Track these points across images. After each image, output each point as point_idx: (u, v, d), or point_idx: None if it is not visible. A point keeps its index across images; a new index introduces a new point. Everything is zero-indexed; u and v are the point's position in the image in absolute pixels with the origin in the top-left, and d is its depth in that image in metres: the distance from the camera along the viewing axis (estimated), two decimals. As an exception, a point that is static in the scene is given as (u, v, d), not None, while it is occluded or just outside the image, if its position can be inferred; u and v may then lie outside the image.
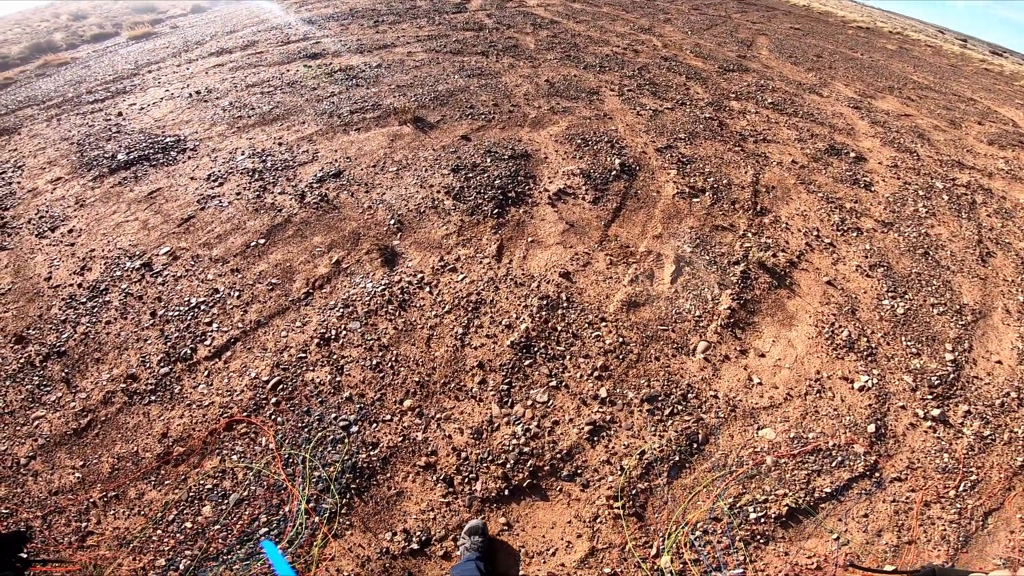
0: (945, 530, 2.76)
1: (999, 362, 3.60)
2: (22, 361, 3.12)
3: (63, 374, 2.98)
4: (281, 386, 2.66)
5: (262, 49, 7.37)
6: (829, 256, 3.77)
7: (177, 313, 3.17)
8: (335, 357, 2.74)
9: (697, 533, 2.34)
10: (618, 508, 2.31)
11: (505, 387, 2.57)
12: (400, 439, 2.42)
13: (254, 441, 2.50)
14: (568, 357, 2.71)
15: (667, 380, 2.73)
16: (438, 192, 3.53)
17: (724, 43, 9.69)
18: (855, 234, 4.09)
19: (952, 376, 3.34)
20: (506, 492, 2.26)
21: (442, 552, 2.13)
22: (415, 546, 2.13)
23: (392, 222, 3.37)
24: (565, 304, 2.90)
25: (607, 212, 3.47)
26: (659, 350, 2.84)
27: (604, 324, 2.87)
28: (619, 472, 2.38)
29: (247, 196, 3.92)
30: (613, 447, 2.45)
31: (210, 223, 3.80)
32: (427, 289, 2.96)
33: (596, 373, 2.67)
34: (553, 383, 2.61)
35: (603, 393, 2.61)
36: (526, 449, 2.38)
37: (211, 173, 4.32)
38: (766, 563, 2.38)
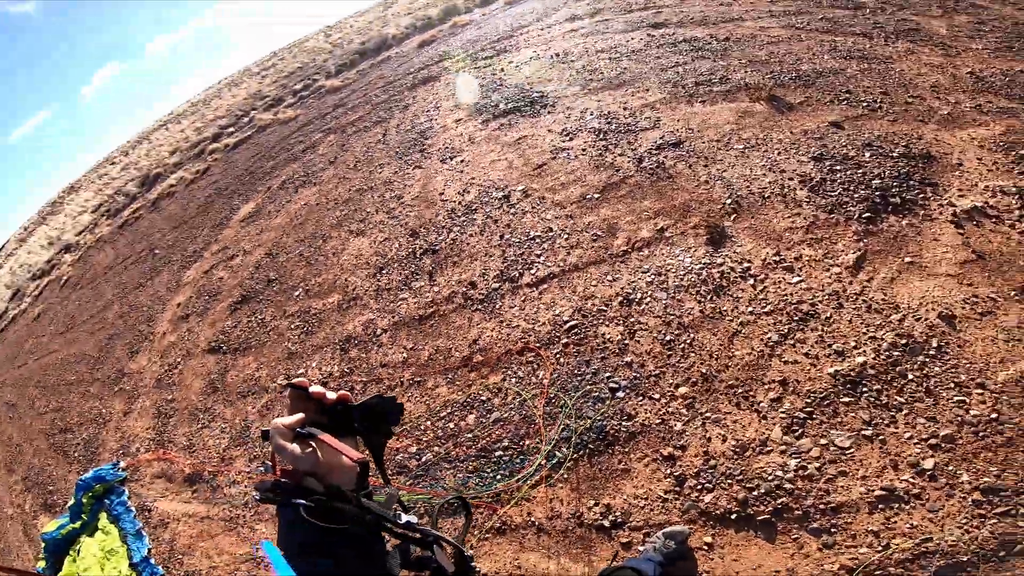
0: None
1: None
2: (409, 251, 4.50)
3: (430, 268, 4.18)
4: (575, 331, 3.05)
5: (607, 17, 7.89)
6: None
7: (518, 240, 3.96)
8: (632, 320, 2.95)
9: None
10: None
11: (802, 416, 2.28)
12: (658, 421, 2.44)
13: (534, 372, 2.97)
14: (906, 411, 2.19)
15: None
16: (790, 179, 3.20)
17: None
18: None
19: None
20: (733, 516, 2.08)
21: (626, 539, 2.13)
22: (606, 523, 2.17)
23: (728, 201, 3.28)
24: (933, 353, 2.30)
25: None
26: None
27: (980, 391, 2.16)
28: (880, 549, 1.90)
29: (591, 153, 4.44)
30: (895, 522, 1.95)
31: (557, 172, 4.50)
32: (751, 281, 2.81)
33: (933, 441, 2.09)
34: (867, 432, 2.17)
35: (928, 465, 2.04)
36: (788, 486, 2.11)
37: (564, 128, 5.04)
38: None
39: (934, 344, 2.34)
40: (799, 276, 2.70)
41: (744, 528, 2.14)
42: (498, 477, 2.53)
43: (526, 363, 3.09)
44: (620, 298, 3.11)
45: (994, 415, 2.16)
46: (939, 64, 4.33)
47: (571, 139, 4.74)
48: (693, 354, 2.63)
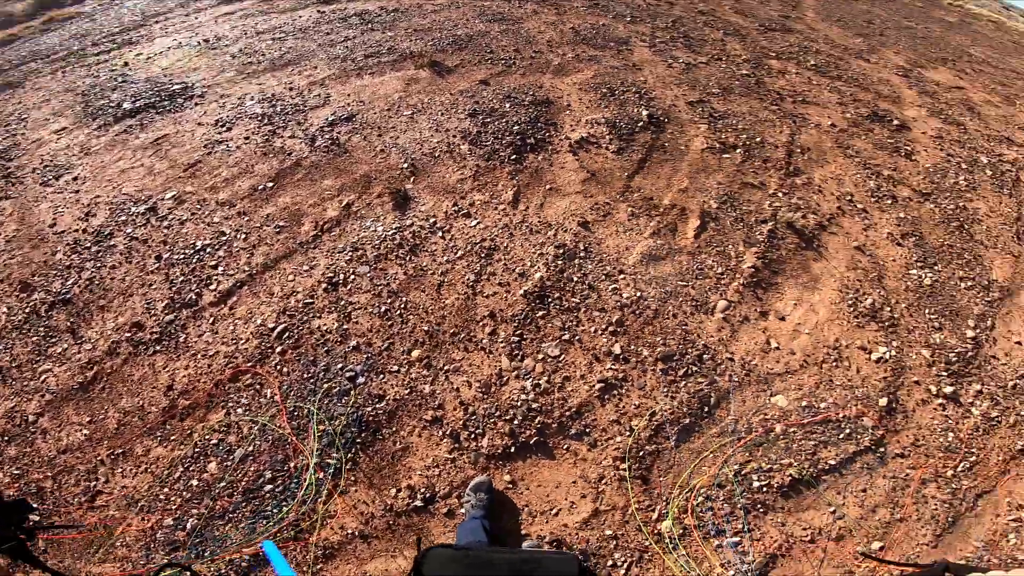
0: (936, 510, 2.69)
1: (1019, 343, 3.43)
2: (28, 311, 3.10)
3: (68, 323, 2.97)
4: (287, 334, 2.61)
5: None
6: (861, 222, 3.57)
7: (182, 256, 3.12)
8: (343, 303, 2.68)
9: (700, 499, 2.30)
10: (624, 470, 2.26)
11: (516, 339, 2.49)
12: (407, 391, 2.36)
13: (259, 393, 2.46)
14: (583, 310, 2.62)
15: (684, 339, 2.63)
16: (454, 136, 3.38)
17: (766, 1, 9.08)
18: (890, 202, 3.87)
19: (970, 354, 3.20)
20: (512, 449, 2.21)
21: (446, 510, 2.10)
22: (419, 503, 2.10)
23: (405, 166, 3.25)
24: (583, 254, 2.79)
25: (631, 163, 3.30)
26: (677, 307, 2.72)
27: (622, 277, 2.76)
28: (628, 433, 2.32)
29: (255, 140, 3.81)
30: (624, 407, 2.38)
31: (217, 168, 3.72)
32: (439, 234, 2.86)
33: (611, 328, 2.58)
34: (566, 337, 2.52)
35: (617, 349, 2.52)
36: (535, 405, 2.32)
37: (219, 119, 4.20)
38: (763, 532, 2.32)
39: (581, 247, 2.83)
40: (476, 219, 2.87)
41: (527, 456, 2.22)
42: (284, 509, 2.13)
43: (246, 388, 2.50)
44: (324, 285, 2.76)
45: (639, 293, 2.76)
46: (553, 22, 5.35)
47: (229, 129, 3.97)
48: (412, 316, 2.57)
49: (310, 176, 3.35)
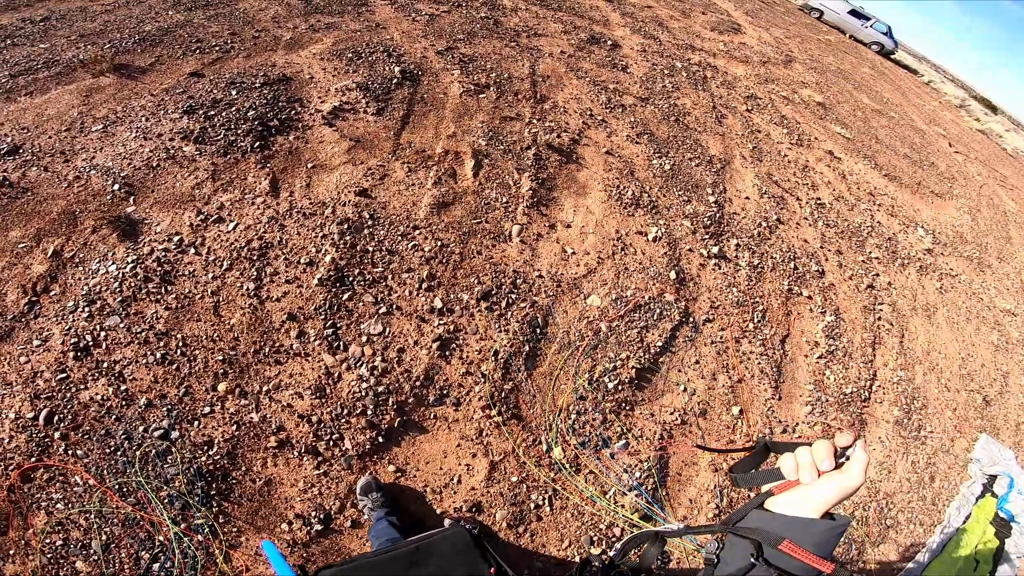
0: (760, 363, 3.40)
1: (747, 198, 4.51)
2: None
3: None
4: (57, 417, 1.97)
5: None
6: (604, 131, 4.16)
7: None
8: (106, 365, 2.10)
9: (572, 416, 2.45)
10: (496, 416, 2.29)
11: (330, 331, 2.27)
12: (234, 427, 2.02)
13: (68, 483, 1.89)
14: (391, 276, 2.51)
15: (495, 272, 2.73)
16: (171, 140, 2.80)
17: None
18: (620, 110, 4.59)
19: (718, 215, 4.08)
20: (380, 439, 2.08)
21: (349, 523, 1.94)
22: (319, 527, 1.90)
23: (116, 188, 2.59)
24: (371, 222, 2.64)
25: (395, 121, 3.21)
26: (479, 243, 2.81)
27: (419, 232, 2.72)
28: (482, 379, 2.35)
29: None
30: (467, 356, 2.39)
31: None
32: (192, 251, 2.38)
33: (425, 284, 2.53)
34: (383, 309, 2.40)
35: (438, 303, 2.50)
36: (380, 389, 2.18)
37: None
38: (640, 427, 2.60)
39: (367, 216, 2.68)
40: (233, 221, 2.47)
41: (399, 439, 2.10)
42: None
43: (47, 483, 1.94)
44: (71, 353, 2.12)
45: (439, 243, 2.74)
46: None
47: None
48: (198, 351, 2.14)
49: None
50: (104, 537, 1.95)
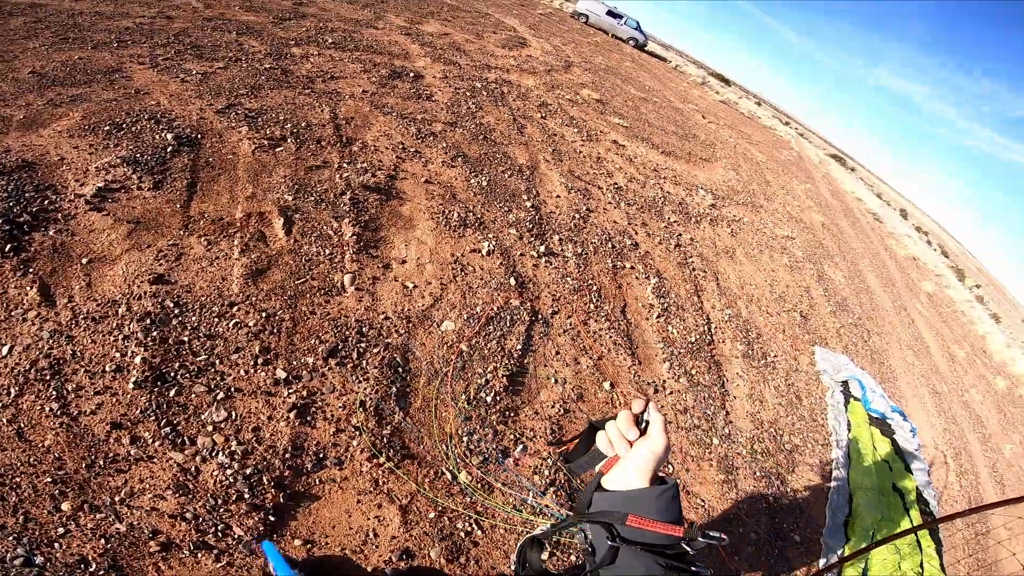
0: (611, 337, 3.92)
1: (558, 196, 5.20)
2: None
3: None
4: None
5: None
6: (419, 161, 4.45)
7: None
8: None
9: (464, 439, 2.55)
10: (387, 463, 2.31)
11: (167, 429, 2.10)
12: (103, 541, 1.78)
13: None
14: (218, 361, 2.39)
15: (335, 327, 2.73)
16: None
17: (270, -9, 9.17)
18: (431, 138, 4.94)
19: (537, 217, 4.65)
20: (271, 518, 1.98)
21: None
22: None
23: None
24: (176, 311, 2.48)
25: (179, 192, 3.01)
26: (310, 303, 2.81)
27: (237, 308, 2.62)
28: (357, 433, 2.35)
29: None
30: (332, 415, 2.38)
31: None
32: (-61, 400, 1.99)
33: (260, 359, 2.45)
34: (220, 395, 2.28)
35: (281, 374, 2.44)
36: (248, 471, 2.08)
37: None
38: (531, 429, 2.81)
39: (171, 304, 2.50)
40: (6, 344, 2.12)
41: (295, 512, 2.06)
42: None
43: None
44: None
45: (264, 314, 2.65)
46: None
47: None
48: (17, 477, 1.78)
49: None
50: None
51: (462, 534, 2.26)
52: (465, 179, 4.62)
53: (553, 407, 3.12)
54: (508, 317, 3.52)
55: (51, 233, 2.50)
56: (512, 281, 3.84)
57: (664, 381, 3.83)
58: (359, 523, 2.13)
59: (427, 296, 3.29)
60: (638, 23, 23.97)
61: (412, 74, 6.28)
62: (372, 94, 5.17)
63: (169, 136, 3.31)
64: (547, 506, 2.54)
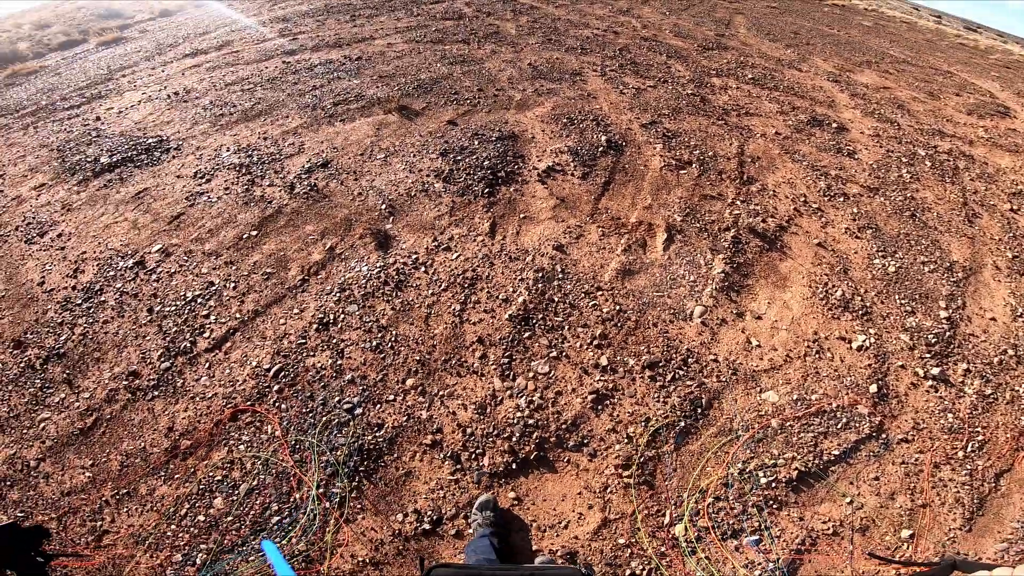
0: (958, 492, 2.77)
1: (993, 319, 3.65)
2: (23, 365, 3.09)
3: (64, 375, 2.96)
4: (283, 373, 2.65)
5: (238, 48, 7.25)
6: (818, 220, 3.82)
7: (174, 308, 3.15)
8: (335, 341, 2.73)
9: (709, 500, 2.33)
10: (628, 477, 2.29)
11: (506, 360, 2.57)
12: (405, 418, 2.41)
13: (260, 430, 2.48)
14: (567, 327, 2.73)
15: (666, 346, 2.74)
16: (428, 176, 3.53)
17: (702, 23, 9.75)
18: (842, 199, 4.15)
19: (948, 334, 3.38)
20: (514, 466, 2.26)
21: (454, 531, 2.11)
22: (427, 526, 2.11)
23: (383, 207, 3.37)
24: (561, 276, 2.92)
25: (596, 186, 3.50)
26: (656, 316, 2.85)
27: (600, 293, 2.89)
28: (626, 440, 2.38)
29: (236, 191, 3.89)
30: (618, 415, 2.46)
31: (200, 219, 3.78)
32: (422, 269, 2.96)
33: (596, 342, 2.68)
34: (554, 354, 2.62)
35: (604, 361, 2.62)
36: (531, 421, 2.38)
37: (197, 171, 4.28)
38: (782, 528, 2.36)
39: (559, 269, 2.97)
40: (457, 252, 2.99)
41: (529, 471, 2.26)
42: (290, 539, 2.15)
43: (246, 425, 2.53)
44: (315, 325, 2.83)
45: (618, 307, 2.89)
46: (511, 60, 5.64)
47: (208, 181, 4.04)
48: (402, 348, 2.64)
49: (292, 222, 3.43)
50: (255, 483, 2.39)
51: (628, 572, 2.06)
52: (868, 256, 3.70)
53: (824, 523, 2.35)
54: (842, 419, 2.76)
55: (511, 189, 3.33)
56: (872, 388, 2.92)
57: (979, 559, 2.29)
58: (564, 510, 2.16)
59: (765, 359, 2.85)
60: None
61: (835, 125, 5.45)
62: (785, 137, 4.74)
63: (603, 138, 3.89)
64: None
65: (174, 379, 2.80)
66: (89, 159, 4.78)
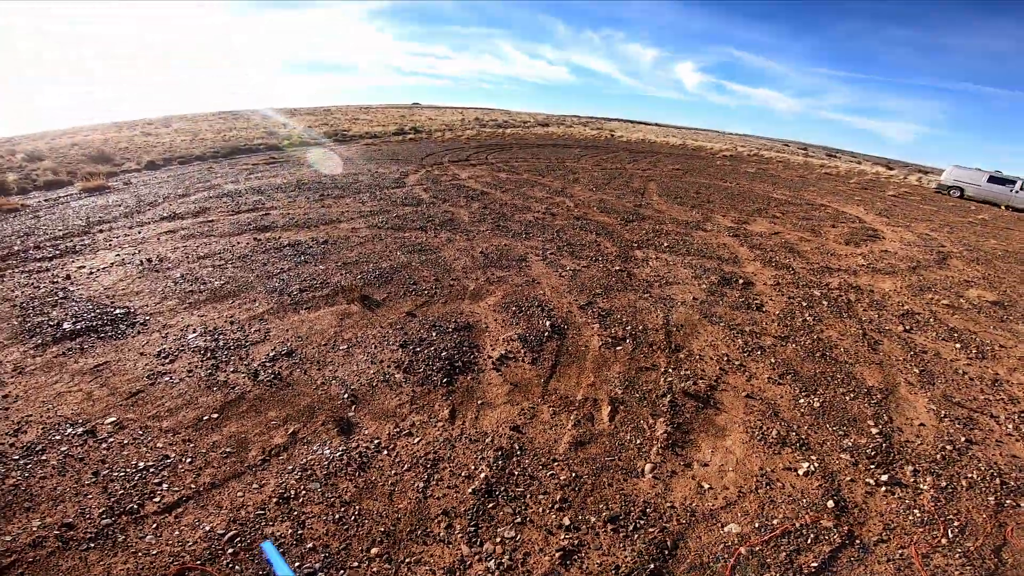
0: (962, 573, 2.81)
1: (922, 424, 4.03)
2: None
3: None
4: (239, 539, 2.55)
5: (213, 218, 7.75)
6: (742, 375, 4.32)
7: (123, 474, 3.02)
8: (295, 513, 2.72)
9: None
10: None
11: (472, 529, 2.62)
12: None
13: None
14: (528, 496, 2.85)
15: (624, 501, 2.90)
16: (388, 367, 3.83)
17: (623, 195, 11.80)
18: (759, 352, 4.76)
19: (885, 445, 3.69)
20: None
21: None
22: None
23: (346, 396, 3.56)
24: (519, 452, 3.11)
25: (545, 370, 3.90)
26: (611, 477, 3.04)
27: (556, 463, 3.08)
28: None
29: (199, 374, 3.96)
30: (588, 567, 2.50)
31: (160, 398, 3.77)
32: (385, 452, 3.08)
33: (557, 505, 2.80)
34: (518, 520, 2.70)
35: (567, 521, 2.72)
36: None
37: (162, 350, 4.31)
38: None
39: (517, 447, 3.14)
40: (418, 436, 3.15)
41: None
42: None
43: None
44: (275, 499, 2.80)
45: (574, 474, 3.02)
46: (465, 247, 6.49)
47: (172, 362, 4.10)
48: (366, 520, 2.66)
49: (255, 408, 3.50)
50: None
51: None
52: (792, 398, 4.13)
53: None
54: (811, 535, 2.92)
55: (469, 378, 3.65)
56: (830, 503, 3.12)
57: None
58: None
59: (720, 498, 3.03)
60: (1041, 183, 17.69)
61: (741, 281, 6.46)
62: (702, 302, 5.56)
63: (548, 323, 4.46)
64: None
65: (115, 535, 2.62)
66: (52, 323, 4.66)
